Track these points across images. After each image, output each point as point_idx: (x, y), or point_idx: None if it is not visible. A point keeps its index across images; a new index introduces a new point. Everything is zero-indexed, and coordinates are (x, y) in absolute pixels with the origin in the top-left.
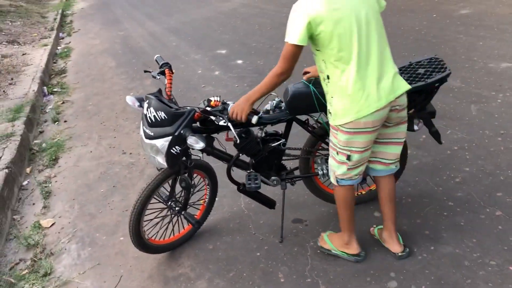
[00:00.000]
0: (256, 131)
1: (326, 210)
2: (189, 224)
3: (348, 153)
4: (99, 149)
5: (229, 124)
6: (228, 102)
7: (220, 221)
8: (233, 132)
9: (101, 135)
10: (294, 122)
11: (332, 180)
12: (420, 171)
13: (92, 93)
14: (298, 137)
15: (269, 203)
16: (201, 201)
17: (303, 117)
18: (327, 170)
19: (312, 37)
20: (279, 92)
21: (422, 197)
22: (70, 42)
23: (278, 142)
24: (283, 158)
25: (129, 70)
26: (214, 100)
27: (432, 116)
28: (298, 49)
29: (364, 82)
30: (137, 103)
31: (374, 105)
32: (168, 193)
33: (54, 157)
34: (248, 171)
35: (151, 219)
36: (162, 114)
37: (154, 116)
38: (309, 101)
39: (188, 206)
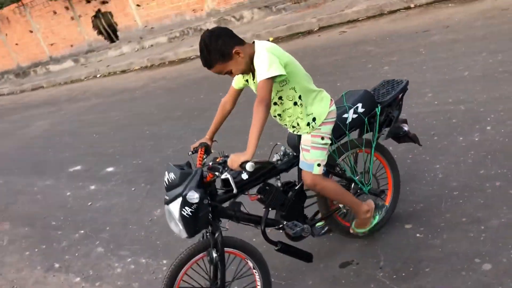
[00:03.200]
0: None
1: (361, 242)
2: None
3: (329, 136)
4: None
5: (229, 176)
6: (228, 155)
7: None
8: (231, 182)
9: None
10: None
11: (319, 171)
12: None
13: None
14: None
15: (307, 257)
16: None
17: None
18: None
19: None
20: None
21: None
22: None
23: (299, 185)
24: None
25: None
26: (219, 157)
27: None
28: (273, 82)
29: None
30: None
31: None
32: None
33: None
34: (283, 224)
35: None
36: (172, 176)
37: (167, 179)
38: None
39: None
